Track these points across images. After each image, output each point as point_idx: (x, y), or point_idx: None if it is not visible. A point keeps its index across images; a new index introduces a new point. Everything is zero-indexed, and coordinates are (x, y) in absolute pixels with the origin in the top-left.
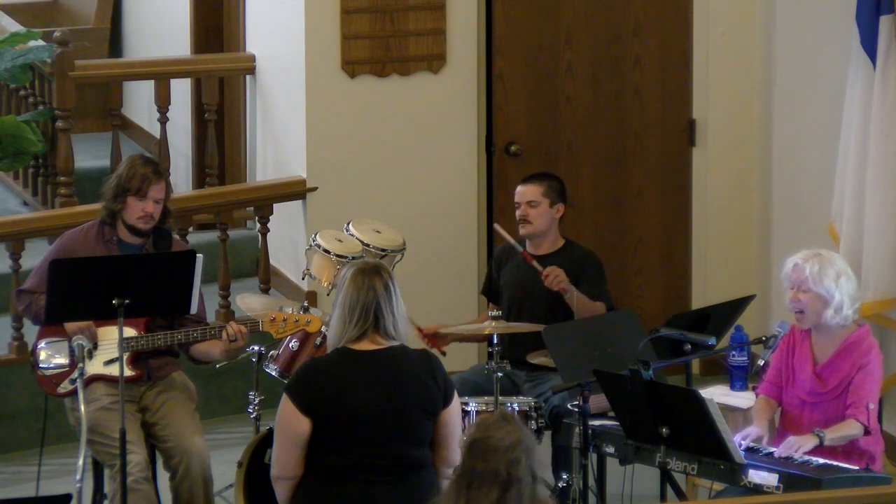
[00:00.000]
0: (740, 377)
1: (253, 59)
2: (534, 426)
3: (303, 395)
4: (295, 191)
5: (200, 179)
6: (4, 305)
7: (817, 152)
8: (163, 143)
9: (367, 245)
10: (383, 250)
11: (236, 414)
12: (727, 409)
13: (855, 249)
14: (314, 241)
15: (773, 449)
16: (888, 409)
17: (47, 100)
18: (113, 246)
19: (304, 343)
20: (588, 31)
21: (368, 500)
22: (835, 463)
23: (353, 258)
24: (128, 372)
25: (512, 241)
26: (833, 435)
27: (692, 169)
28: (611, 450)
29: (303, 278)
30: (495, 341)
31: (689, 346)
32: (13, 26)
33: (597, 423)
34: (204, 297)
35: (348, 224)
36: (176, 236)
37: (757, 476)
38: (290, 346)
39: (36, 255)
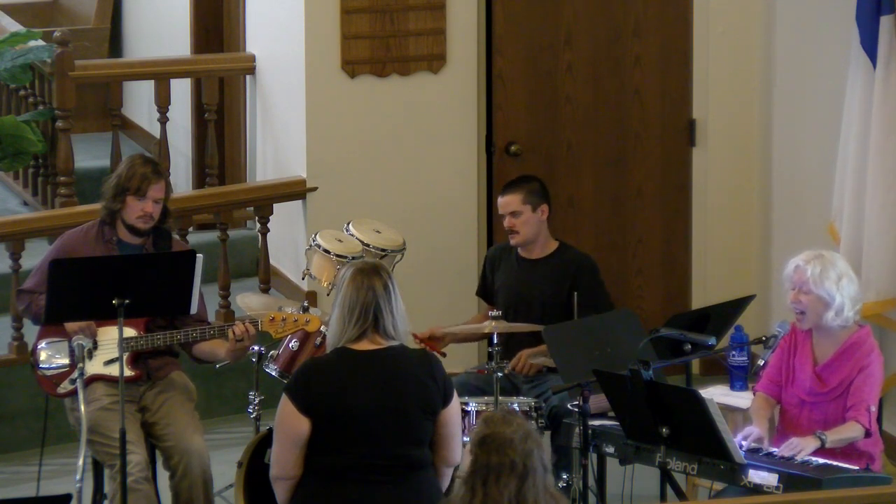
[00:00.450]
0: (740, 377)
1: (253, 59)
2: (534, 426)
3: (302, 395)
4: (295, 191)
5: (200, 179)
6: (4, 305)
7: (817, 152)
8: (163, 143)
9: (367, 245)
10: (383, 250)
11: (236, 414)
12: (727, 409)
13: (855, 249)
14: (314, 241)
15: (773, 449)
16: (888, 409)
17: (47, 100)
18: (113, 246)
19: (304, 343)
20: (588, 31)
21: (368, 500)
22: (835, 463)
23: (353, 258)
24: (128, 372)
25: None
26: (834, 437)
27: (692, 169)
28: (611, 450)
29: (303, 278)
30: (495, 341)
31: (689, 346)
32: (13, 26)
33: (597, 423)
34: (204, 297)
35: (348, 224)
36: (176, 236)
37: (757, 476)
38: (290, 345)
39: (36, 255)
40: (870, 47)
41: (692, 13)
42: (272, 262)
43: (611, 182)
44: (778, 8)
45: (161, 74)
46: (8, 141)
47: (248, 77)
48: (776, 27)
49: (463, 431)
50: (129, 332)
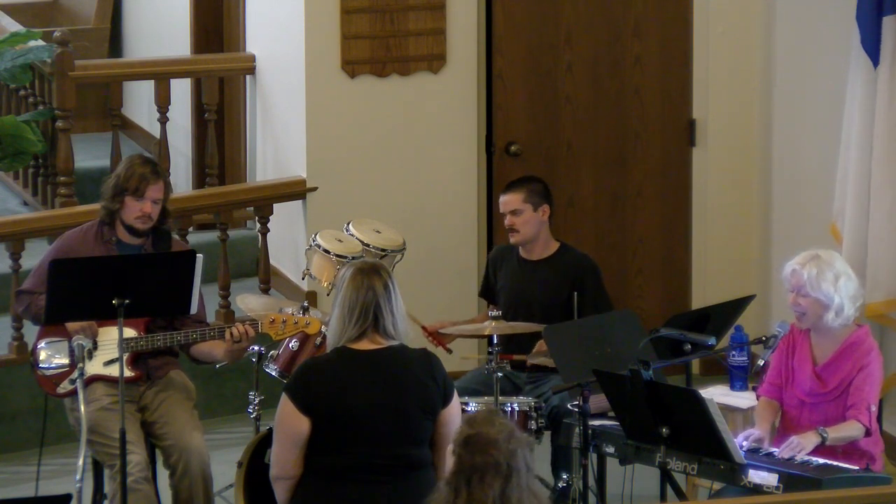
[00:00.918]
0: (740, 377)
1: (253, 59)
2: (534, 426)
3: (302, 394)
4: (295, 191)
5: (200, 179)
6: (4, 305)
7: (817, 152)
8: (163, 143)
9: (367, 245)
10: (383, 250)
11: (236, 414)
12: (727, 409)
13: (859, 249)
14: (314, 241)
15: (773, 449)
16: (888, 409)
17: (47, 100)
18: (112, 246)
19: (304, 343)
20: (588, 31)
21: (368, 500)
22: (835, 463)
23: (353, 258)
24: (128, 372)
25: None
26: (835, 434)
27: (692, 169)
28: (611, 450)
29: (303, 278)
30: (495, 342)
31: (689, 346)
32: (13, 26)
33: (597, 423)
34: (204, 297)
35: (348, 224)
36: (176, 236)
37: (757, 476)
38: (290, 346)
39: (36, 255)
40: (870, 47)
41: (692, 13)
42: (272, 262)
43: (611, 182)
44: (778, 8)
45: (161, 74)
46: (8, 141)
47: (248, 77)
48: (776, 27)
49: None
50: (129, 332)
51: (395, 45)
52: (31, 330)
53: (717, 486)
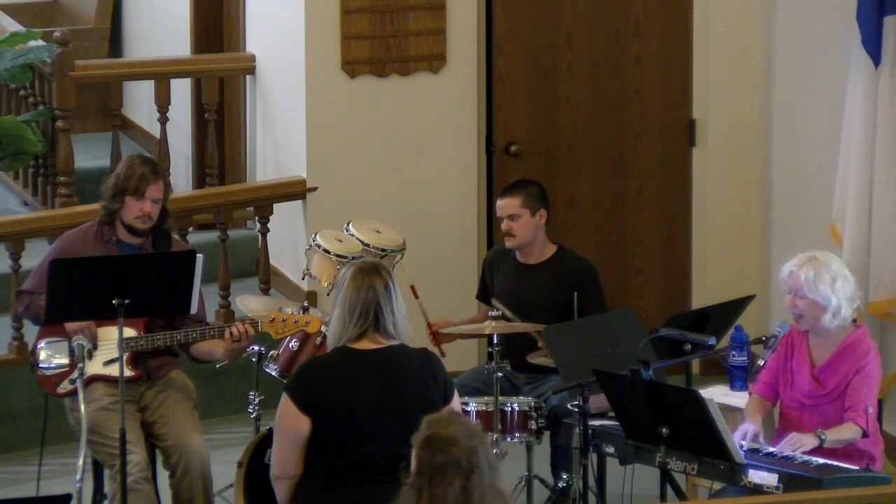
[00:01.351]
0: (740, 377)
1: (253, 59)
2: (533, 426)
3: (302, 394)
4: (295, 191)
5: (200, 179)
6: (4, 305)
7: (817, 152)
8: (163, 143)
9: (367, 245)
10: (383, 250)
11: (236, 414)
12: (727, 409)
13: (860, 249)
14: (314, 241)
15: (773, 449)
16: (888, 409)
17: (47, 100)
18: (112, 246)
19: (305, 343)
20: (588, 31)
21: (368, 499)
22: (835, 463)
23: (353, 258)
24: (128, 372)
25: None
26: (833, 437)
27: (692, 169)
28: (611, 450)
29: (303, 278)
30: (495, 342)
31: (689, 346)
32: (13, 26)
33: (597, 423)
34: (204, 297)
35: (348, 224)
36: (176, 236)
37: (757, 476)
38: (291, 346)
39: (36, 255)
40: (871, 47)
41: (692, 13)
42: (272, 262)
43: (611, 182)
44: (778, 8)
45: (161, 74)
46: (8, 141)
47: (248, 77)
48: (776, 27)
49: None
50: (129, 332)
51: (395, 45)
52: (31, 330)
53: (717, 486)
